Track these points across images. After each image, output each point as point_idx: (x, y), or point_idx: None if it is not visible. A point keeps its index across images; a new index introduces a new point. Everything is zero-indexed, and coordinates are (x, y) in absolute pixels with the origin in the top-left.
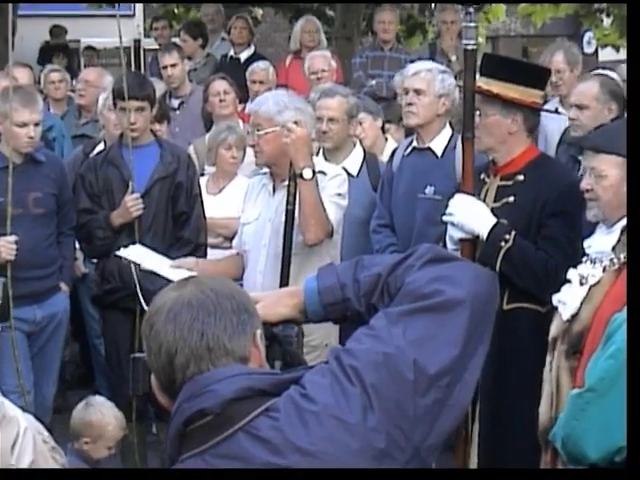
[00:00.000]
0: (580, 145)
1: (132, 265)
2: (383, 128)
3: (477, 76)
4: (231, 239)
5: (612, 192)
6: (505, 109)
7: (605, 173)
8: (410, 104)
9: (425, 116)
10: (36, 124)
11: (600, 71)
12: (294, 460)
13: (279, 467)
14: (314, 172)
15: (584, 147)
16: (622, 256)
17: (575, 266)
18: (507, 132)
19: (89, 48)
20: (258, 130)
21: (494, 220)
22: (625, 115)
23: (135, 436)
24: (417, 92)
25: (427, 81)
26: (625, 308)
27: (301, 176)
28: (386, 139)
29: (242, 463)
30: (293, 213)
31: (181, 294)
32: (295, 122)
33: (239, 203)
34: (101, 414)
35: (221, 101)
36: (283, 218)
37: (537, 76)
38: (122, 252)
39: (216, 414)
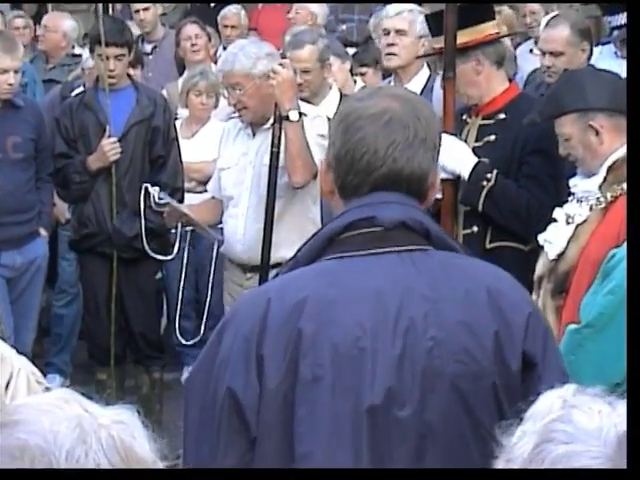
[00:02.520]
0: (537, 121)
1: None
2: (352, 71)
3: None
4: (205, 183)
5: (581, 147)
6: (463, 56)
7: (567, 134)
8: (392, 44)
9: (407, 57)
10: (16, 71)
11: (562, 9)
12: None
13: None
14: (300, 114)
15: (541, 120)
16: (609, 195)
17: (561, 205)
18: (475, 74)
19: None
20: (238, 89)
21: (475, 160)
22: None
23: (113, 380)
24: (399, 32)
25: (409, 21)
26: (624, 244)
27: (287, 118)
28: (355, 82)
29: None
30: (278, 155)
31: (397, 110)
32: (281, 64)
33: (212, 147)
34: None
35: (193, 45)
36: (265, 161)
37: (479, 12)
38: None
39: (385, 228)
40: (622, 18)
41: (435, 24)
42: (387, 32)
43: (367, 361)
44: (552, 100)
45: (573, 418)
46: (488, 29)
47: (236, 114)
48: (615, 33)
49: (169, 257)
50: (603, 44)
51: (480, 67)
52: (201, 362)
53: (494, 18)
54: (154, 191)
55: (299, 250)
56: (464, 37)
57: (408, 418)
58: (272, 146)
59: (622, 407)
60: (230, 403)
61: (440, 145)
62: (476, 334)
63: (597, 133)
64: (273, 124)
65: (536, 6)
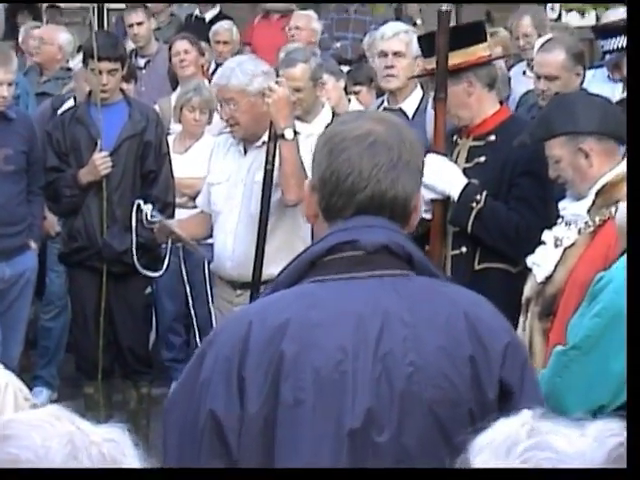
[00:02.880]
0: (527, 144)
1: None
2: (346, 89)
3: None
4: (197, 198)
5: (571, 170)
6: (455, 77)
7: (557, 157)
8: (391, 67)
9: (404, 79)
10: (9, 84)
11: (556, 32)
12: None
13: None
14: (295, 132)
15: (531, 143)
16: (597, 219)
17: (550, 228)
18: (466, 96)
19: (51, 7)
20: (232, 105)
21: (465, 180)
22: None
23: (101, 395)
24: (396, 54)
25: (405, 43)
26: (612, 268)
27: (282, 136)
28: (349, 100)
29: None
30: (272, 173)
31: (381, 133)
32: (276, 82)
33: (205, 163)
34: None
35: (182, 61)
36: (256, 178)
37: (473, 33)
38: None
39: (367, 252)
40: (615, 42)
41: (427, 45)
42: (385, 54)
43: (348, 385)
44: (543, 122)
45: (552, 444)
46: (480, 51)
47: (227, 129)
48: (607, 57)
49: (158, 274)
50: (596, 67)
51: (472, 89)
52: (182, 385)
53: (486, 40)
54: (146, 208)
55: (281, 273)
56: (456, 59)
57: (386, 442)
58: (266, 163)
59: (593, 428)
60: (212, 425)
61: (423, 169)
62: (454, 360)
63: (587, 156)
64: (268, 142)
65: (529, 29)
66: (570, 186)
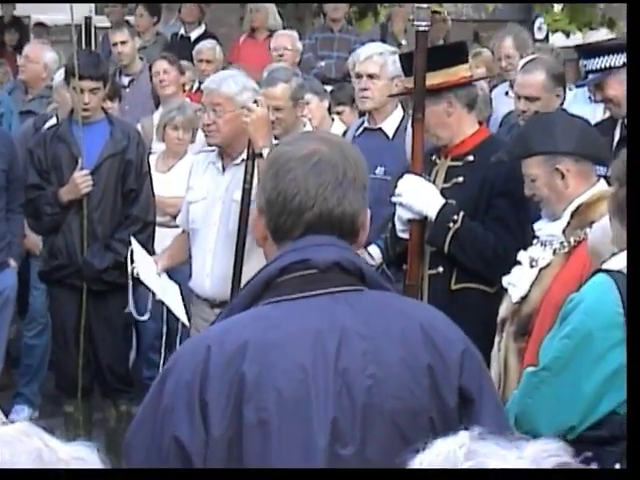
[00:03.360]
0: (505, 160)
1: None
2: (330, 109)
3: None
4: None
5: (546, 189)
6: (435, 97)
7: (533, 175)
8: (365, 89)
9: (380, 99)
10: None
11: (537, 53)
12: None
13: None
14: None
15: (508, 159)
16: (572, 239)
17: (525, 248)
18: (446, 116)
19: (39, 25)
20: (216, 110)
21: (442, 201)
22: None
23: (80, 414)
24: (371, 77)
25: (380, 65)
26: (582, 289)
27: (260, 155)
28: (332, 119)
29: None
30: (250, 192)
31: (325, 152)
32: (255, 101)
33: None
34: None
35: (161, 81)
36: (235, 197)
37: (454, 54)
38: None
39: (320, 270)
40: (598, 62)
41: (408, 64)
42: (359, 75)
43: (311, 401)
44: (521, 141)
45: (490, 467)
46: (461, 72)
47: (206, 147)
48: (590, 76)
49: (144, 318)
50: (578, 87)
51: (451, 109)
52: (142, 415)
53: (467, 61)
54: (137, 260)
55: (235, 297)
56: (437, 78)
57: (351, 456)
58: (244, 182)
59: (530, 450)
60: (176, 452)
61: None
62: (413, 370)
63: (563, 177)
64: (246, 160)
65: (511, 50)
66: (545, 205)
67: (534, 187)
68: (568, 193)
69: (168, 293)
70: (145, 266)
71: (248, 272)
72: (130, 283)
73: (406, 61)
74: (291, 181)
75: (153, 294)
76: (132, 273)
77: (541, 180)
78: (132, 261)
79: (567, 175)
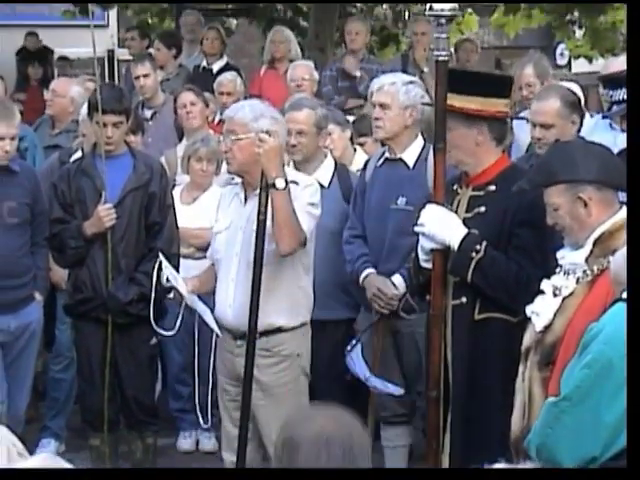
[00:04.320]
0: (526, 189)
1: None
2: (352, 139)
3: None
4: (204, 249)
5: (569, 218)
6: (468, 122)
7: (556, 204)
8: (377, 119)
9: (391, 129)
10: (12, 138)
11: (556, 82)
12: None
13: None
14: (286, 182)
15: (530, 188)
16: (595, 268)
17: (549, 277)
18: (474, 144)
19: (62, 58)
20: (233, 137)
21: (465, 230)
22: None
23: (107, 446)
24: (382, 106)
25: (391, 95)
26: (602, 318)
27: (274, 186)
28: (355, 150)
29: None
30: (265, 222)
31: (340, 432)
32: (267, 132)
33: (212, 214)
34: None
35: (188, 113)
36: (255, 227)
37: (498, 85)
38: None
39: None
40: (623, 93)
41: (454, 80)
42: (374, 105)
43: None
44: (542, 169)
45: None
46: (500, 105)
47: (233, 180)
48: (614, 108)
49: (171, 333)
50: (604, 117)
51: (481, 138)
52: None
53: (509, 96)
54: (167, 271)
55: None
56: (476, 104)
57: None
58: (259, 214)
59: None
60: None
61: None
62: None
63: (585, 205)
64: (260, 191)
65: (532, 78)
66: (567, 234)
67: (556, 216)
68: (590, 221)
69: (198, 305)
70: (175, 278)
71: (271, 303)
72: (152, 295)
73: (453, 77)
74: (297, 451)
75: (182, 304)
76: (156, 283)
77: (563, 209)
78: (160, 270)
79: (589, 203)
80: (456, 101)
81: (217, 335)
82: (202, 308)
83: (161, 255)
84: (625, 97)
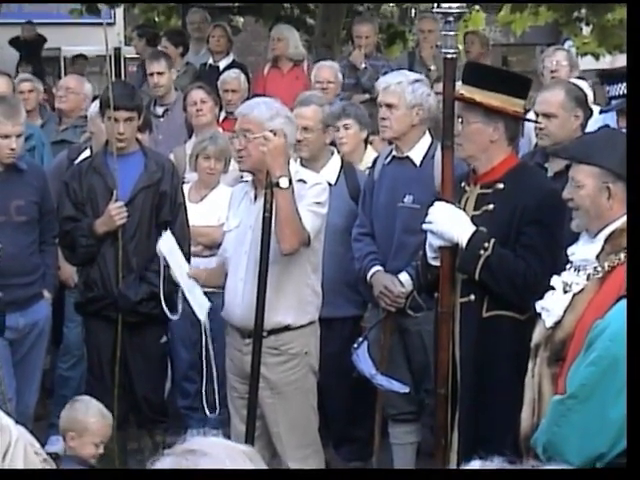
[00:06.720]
0: (559, 155)
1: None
2: (367, 140)
3: (459, 84)
4: (212, 247)
5: (589, 201)
6: (487, 117)
7: (582, 183)
8: (383, 118)
9: (399, 129)
10: (18, 135)
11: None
12: None
13: None
14: (290, 181)
15: (562, 157)
16: (606, 264)
17: (559, 273)
18: (489, 140)
19: (79, 56)
20: (246, 135)
21: (473, 228)
22: (596, 125)
23: (115, 444)
24: (389, 106)
25: (397, 94)
26: (607, 315)
27: (277, 185)
28: (365, 147)
29: None
30: (270, 220)
31: None
32: (272, 131)
33: (220, 212)
34: (85, 408)
35: (198, 110)
36: None
37: (520, 85)
38: (161, 245)
39: None
40: (620, 88)
41: (469, 73)
42: (380, 105)
43: None
44: (584, 145)
45: None
46: (517, 106)
47: (244, 179)
48: (613, 103)
49: (175, 317)
50: (602, 112)
51: (496, 135)
52: None
53: (526, 98)
54: (163, 243)
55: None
56: (498, 101)
57: None
58: (264, 211)
59: None
60: None
61: None
62: None
63: (609, 197)
64: (265, 190)
65: (564, 62)
66: (580, 216)
67: (577, 194)
68: (609, 214)
69: (194, 293)
70: (174, 256)
71: (278, 301)
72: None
73: (471, 70)
74: None
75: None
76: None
77: (587, 190)
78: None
79: (614, 197)
80: (478, 95)
81: (200, 322)
82: (190, 289)
83: (167, 234)
84: (621, 92)
